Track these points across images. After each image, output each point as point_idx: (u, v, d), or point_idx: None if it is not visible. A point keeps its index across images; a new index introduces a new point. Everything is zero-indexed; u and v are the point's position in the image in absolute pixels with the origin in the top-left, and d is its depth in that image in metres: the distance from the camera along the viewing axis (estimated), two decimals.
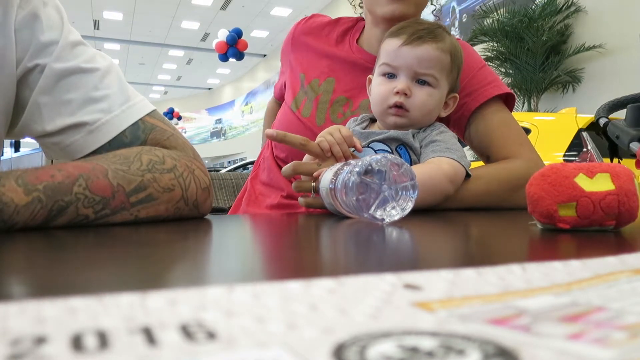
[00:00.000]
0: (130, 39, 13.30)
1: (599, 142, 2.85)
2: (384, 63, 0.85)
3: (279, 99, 1.18)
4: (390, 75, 0.84)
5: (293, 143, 0.76)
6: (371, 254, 0.33)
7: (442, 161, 0.75)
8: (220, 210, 1.19)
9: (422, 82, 0.82)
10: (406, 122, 0.82)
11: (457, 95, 0.88)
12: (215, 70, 17.20)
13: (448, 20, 8.28)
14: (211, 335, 0.13)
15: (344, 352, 0.13)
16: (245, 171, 4.54)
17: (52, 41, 0.59)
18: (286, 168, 0.76)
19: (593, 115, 1.48)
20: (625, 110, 1.32)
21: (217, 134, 20.52)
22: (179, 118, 18.55)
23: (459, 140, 0.87)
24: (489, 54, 6.42)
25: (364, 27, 1.05)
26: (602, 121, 1.35)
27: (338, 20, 1.09)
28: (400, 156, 0.78)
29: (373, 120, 0.90)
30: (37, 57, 0.59)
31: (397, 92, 0.81)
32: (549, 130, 3.20)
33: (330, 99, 0.99)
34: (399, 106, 0.81)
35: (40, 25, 0.59)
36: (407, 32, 0.83)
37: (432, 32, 0.83)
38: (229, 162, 16.66)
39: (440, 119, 0.89)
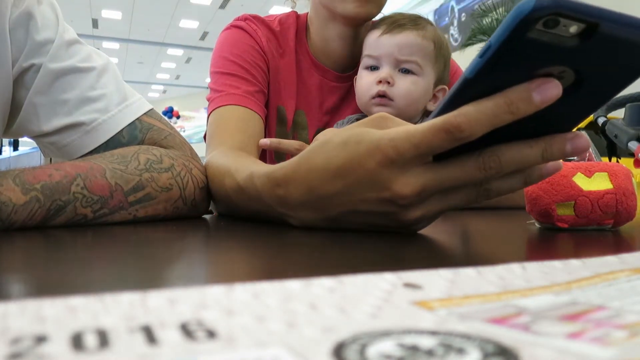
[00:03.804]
0: (129, 38, 13.29)
1: (598, 141, 2.86)
2: (365, 55, 0.84)
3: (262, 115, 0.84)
4: (373, 68, 0.83)
5: (288, 149, 0.75)
6: (371, 253, 0.33)
7: None
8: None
9: (405, 71, 0.81)
10: (392, 112, 0.80)
11: (447, 87, 0.87)
12: None
13: (447, 19, 8.27)
14: (211, 334, 0.13)
15: (344, 351, 0.13)
16: None
17: (48, 40, 0.59)
18: None
19: (591, 115, 1.48)
20: (623, 109, 1.32)
21: None
22: (178, 117, 18.54)
23: None
24: None
25: (306, 24, 0.92)
26: (600, 120, 1.35)
27: (271, 25, 0.90)
28: None
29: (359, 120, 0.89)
30: (33, 57, 0.58)
31: (380, 82, 0.80)
32: None
33: (309, 138, 0.90)
34: (382, 95, 0.80)
35: (35, 24, 0.58)
36: (388, 22, 0.83)
37: (414, 21, 0.83)
38: None
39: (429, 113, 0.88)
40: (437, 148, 0.34)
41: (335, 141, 0.39)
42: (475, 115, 0.32)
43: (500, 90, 0.31)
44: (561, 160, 0.38)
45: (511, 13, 0.27)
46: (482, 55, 0.30)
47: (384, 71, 0.81)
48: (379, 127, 0.38)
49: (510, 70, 0.31)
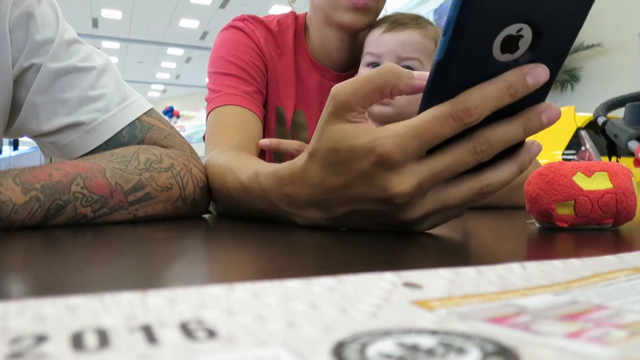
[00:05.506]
0: (129, 38, 13.28)
1: (598, 141, 2.86)
2: (367, 53, 0.83)
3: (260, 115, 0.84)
4: (375, 65, 0.82)
5: (288, 150, 0.75)
6: (371, 253, 0.33)
7: None
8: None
9: (407, 68, 0.81)
10: (391, 111, 0.80)
11: None
12: None
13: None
14: (211, 334, 0.13)
15: (344, 351, 0.13)
16: None
17: (48, 40, 0.59)
18: None
19: (592, 114, 1.48)
20: (623, 108, 1.32)
21: None
22: (178, 116, 18.51)
23: None
24: None
25: (305, 25, 0.92)
26: (600, 120, 1.36)
27: (269, 25, 0.91)
28: None
29: None
30: (33, 57, 0.58)
31: None
32: (547, 128, 3.21)
33: (309, 138, 0.91)
34: None
35: (35, 23, 0.58)
36: (389, 20, 0.82)
37: (415, 20, 0.83)
38: None
39: None
40: (444, 136, 0.35)
41: (327, 147, 0.39)
42: (480, 99, 0.33)
43: (472, 70, 0.33)
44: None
45: None
46: (445, 33, 0.31)
47: None
48: (340, 117, 0.38)
49: (475, 41, 0.32)
